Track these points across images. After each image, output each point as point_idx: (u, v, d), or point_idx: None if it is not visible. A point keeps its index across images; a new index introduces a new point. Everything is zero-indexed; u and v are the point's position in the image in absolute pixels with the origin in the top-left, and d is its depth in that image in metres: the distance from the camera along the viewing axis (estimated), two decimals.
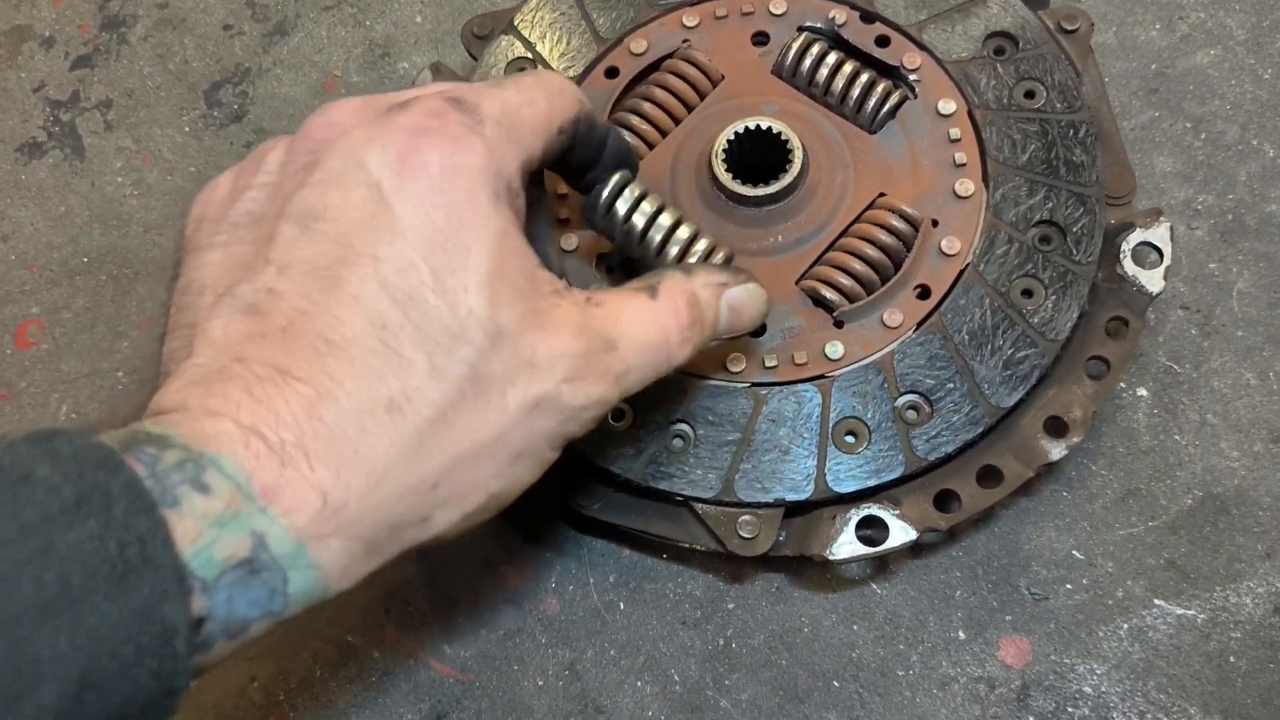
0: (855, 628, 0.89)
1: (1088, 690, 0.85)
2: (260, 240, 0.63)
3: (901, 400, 0.84)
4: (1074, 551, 0.89)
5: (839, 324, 0.87)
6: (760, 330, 0.86)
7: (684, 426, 0.85)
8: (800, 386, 0.85)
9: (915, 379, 0.84)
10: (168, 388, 0.59)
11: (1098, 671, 0.86)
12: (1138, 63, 1.06)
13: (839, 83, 0.93)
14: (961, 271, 0.87)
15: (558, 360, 0.63)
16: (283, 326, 0.59)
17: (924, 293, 0.87)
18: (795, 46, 0.94)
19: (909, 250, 0.88)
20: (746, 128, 0.89)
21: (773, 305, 0.87)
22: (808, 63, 0.93)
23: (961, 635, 0.88)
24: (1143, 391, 0.94)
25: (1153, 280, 0.86)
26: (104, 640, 0.49)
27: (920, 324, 0.86)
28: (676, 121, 0.94)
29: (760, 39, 0.97)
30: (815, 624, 0.89)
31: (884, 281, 0.87)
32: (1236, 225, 0.99)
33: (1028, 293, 0.85)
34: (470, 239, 0.61)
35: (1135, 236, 0.87)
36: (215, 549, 0.53)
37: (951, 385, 0.83)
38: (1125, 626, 0.87)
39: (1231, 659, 0.85)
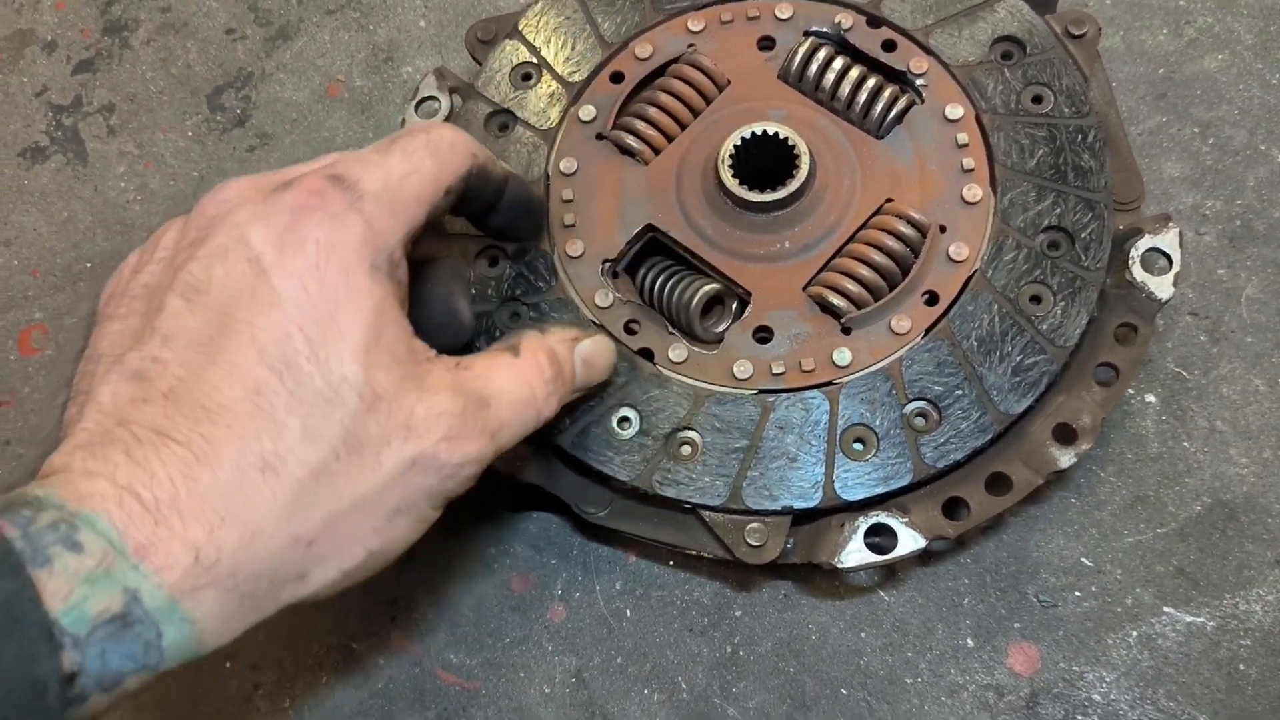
0: (863, 635, 0.88)
1: (1097, 698, 0.85)
2: (150, 312, 0.66)
3: (910, 407, 0.83)
4: (1083, 559, 0.89)
5: (846, 330, 0.86)
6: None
7: (691, 434, 0.84)
8: (808, 393, 0.85)
9: (923, 386, 0.84)
10: (58, 451, 0.62)
11: (1107, 679, 0.85)
12: (1145, 67, 1.06)
13: (845, 87, 0.92)
14: (969, 277, 0.86)
15: (436, 420, 0.66)
16: (164, 392, 0.61)
17: (932, 299, 0.86)
18: (802, 51, 0.94)
19: (916, 256, 0.87)
20: (753, 133, 0.89)
21: (780, 311, 0.87)
22: (814, 67, 0.93)
23: (970, 643, 0.87)
24: (1151, 398, 0.93)
25: (1162, 286, 0.85)
26: None
27: (928, 330, 0.85)
28: (682, 126, 0.94)
29: (766, 44, 0.96)
30: (823, 631, 0.88)
31: (891, 288, 0.87)
32: (1245, 231, 0.99)
33: (1036, 299, 0.85)
34: (346, 311, 0.64)
35: (1144, 242, 0.86)
36: (87, 605, 0.55)
37: (960, 392, 0.83)
38: (1134, 634, 0.87)
39: (1241, 667, 0.85)
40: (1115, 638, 0.87)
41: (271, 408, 0.61)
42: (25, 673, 0.52)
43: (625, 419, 0.85)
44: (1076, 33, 0.94)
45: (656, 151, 0.93)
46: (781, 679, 0.87)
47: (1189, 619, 0.87)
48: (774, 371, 0.86)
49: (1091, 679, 0.85)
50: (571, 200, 0.92)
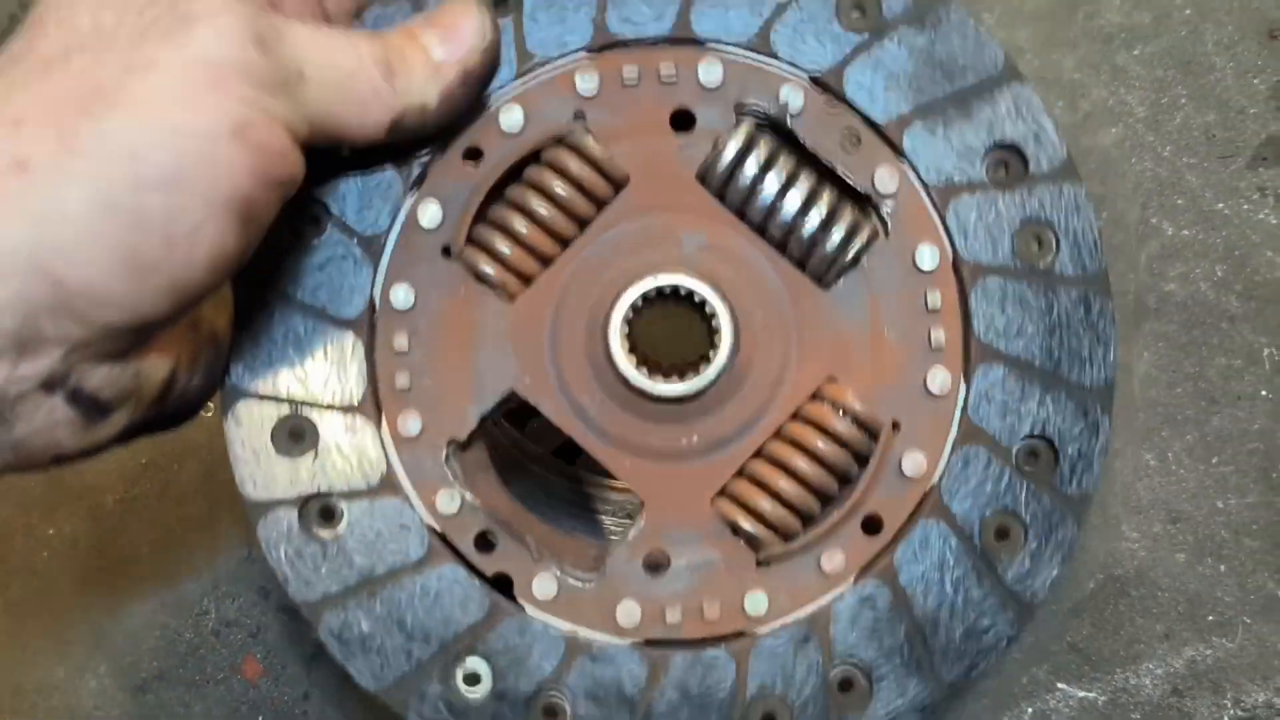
0: None
1: None
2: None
3: (835, 672, 0.66)
4: None
5: (763, 563, 0.67)
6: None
7: (558, 699, 0.66)
8: (709, 651, 0.66)
9: (854, 645, 0.66)
10: None
11: None
12: None
13: (788, 209, 0.67)
14: (923, 498, 0.67)
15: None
16: None
17: (873, 526, 0.67)
18: (731, 148, 0.67)
19: (859, 463, 0.68)
20: (658, 289, 0.65)
21: (680, 531, 0.67)
22: (747, 175, 0.67)
23: None
24: None
25: None
26: None
27: (865, 569, 0.67)
28: (563, 244, 0.68)
29: (683, 121, 0.69)
30: None
31: (824, 503, 0.68)
32: (1138, 306, 0.98)
33: (1003, 533, 0.67)
34: None
35: None
36: None
37: (898, 659, 0.66)
38: (1029, 710, 0.87)
39: None
40: (1010, 715, 0.87)
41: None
42: None
43: (474, 675, 0.66)
44: None
45: (526, 280, 0.68)
46: None
47: (1081, 694, 0.87)
48: (668, 619, 0.67)
49: None
50: (406, 352, 0.67)
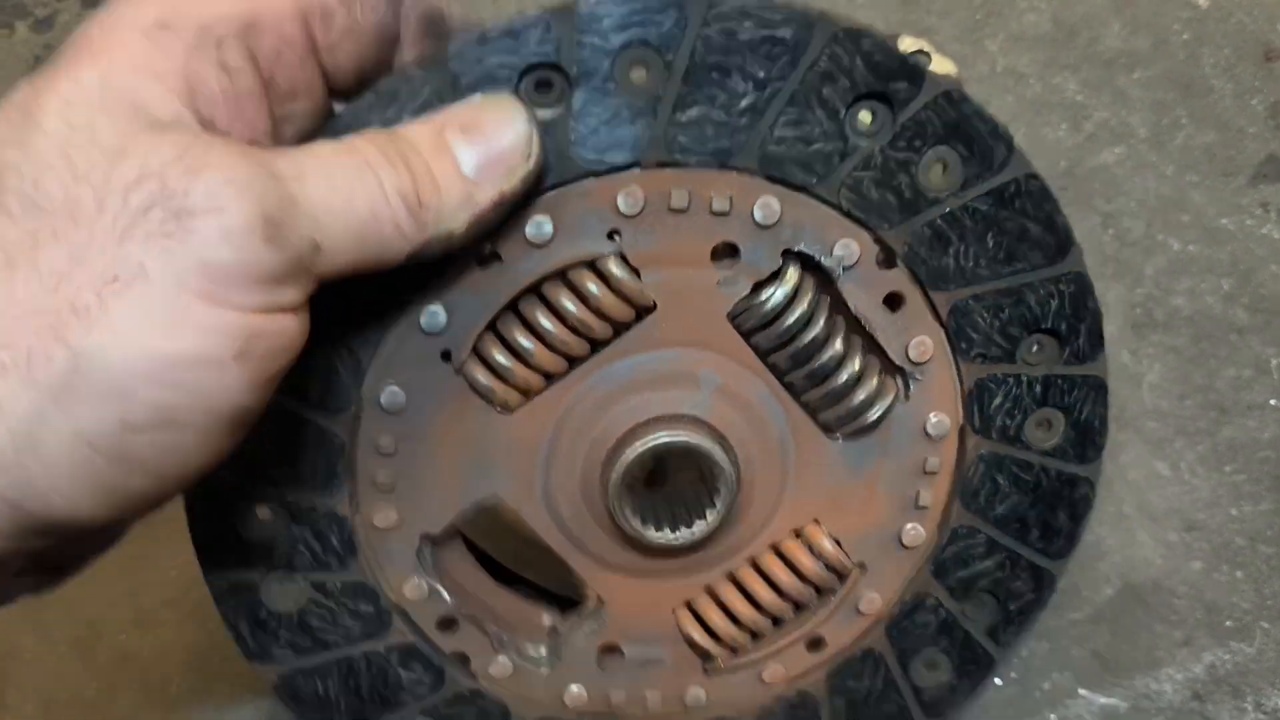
0: None
1: None
2: None
3: None
4: None
5: (709, 670, 0.71)
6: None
7: None
8: None
9: None
10: None
11: None
12: (1047, 162, 1.02)
13: (818, 365, 0.64)
14: (867, 629, 0.71)
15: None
16: None
17: (816, 644, 0.72)
18: (773, 299, 0.62)
19: (821, 595, 0.70)
20: (666, 446, 0.63)
21: (638, 630, 0.70)
22: (784, 325, 0.63)
23: None
24: None
25: None
26: None
27: (798, 678, 0.72)
28: (572, 363, 0.63)
29: (726, 254, 0.62)
30: None
31: (776, 623, 0.71)
32: (1146, 318, 1.00)
33: (932, 665, 0.72)
34: None
35: None
36: None
37: None
38: (1052, 717, 0.88)
39: None
40: None
41: None
42: None
43: None
44: None
45: (527, 396, 0.64)
46: None
47: (1103, 700, 0.89)
48: (612, 700, 0.71)
49: None
50: (392, 454, 0.63)
